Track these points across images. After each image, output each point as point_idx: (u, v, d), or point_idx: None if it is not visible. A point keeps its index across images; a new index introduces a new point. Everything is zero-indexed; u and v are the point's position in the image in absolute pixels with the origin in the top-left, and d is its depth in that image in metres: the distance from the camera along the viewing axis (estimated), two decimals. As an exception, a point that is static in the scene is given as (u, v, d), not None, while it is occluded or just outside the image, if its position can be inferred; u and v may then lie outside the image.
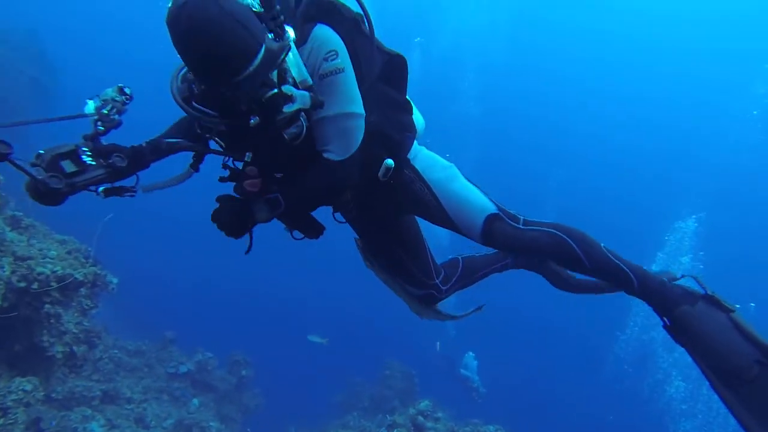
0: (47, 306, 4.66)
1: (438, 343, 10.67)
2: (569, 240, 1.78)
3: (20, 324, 4.93)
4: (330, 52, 1.56)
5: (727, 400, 1.52)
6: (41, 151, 1.46)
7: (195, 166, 1.76)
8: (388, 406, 10.11)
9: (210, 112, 1.50)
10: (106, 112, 1.58)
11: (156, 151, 1.69)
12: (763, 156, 18.88)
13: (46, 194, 1.41)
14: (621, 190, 22.37)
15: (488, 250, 2.31)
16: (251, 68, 1.36)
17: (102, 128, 1.57)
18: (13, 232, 4.89)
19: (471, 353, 10.60)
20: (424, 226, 2.19)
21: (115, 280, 6.26)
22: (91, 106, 1.59)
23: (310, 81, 1.55)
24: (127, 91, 1.65)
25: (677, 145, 22.34)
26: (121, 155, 1.57)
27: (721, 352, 1.53)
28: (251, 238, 1.76)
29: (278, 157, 1.67)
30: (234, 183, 1.67)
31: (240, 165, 1.69)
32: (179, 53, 1.36)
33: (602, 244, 1.81)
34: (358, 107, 1.63)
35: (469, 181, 1.95)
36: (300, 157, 1.66)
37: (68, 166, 1.47)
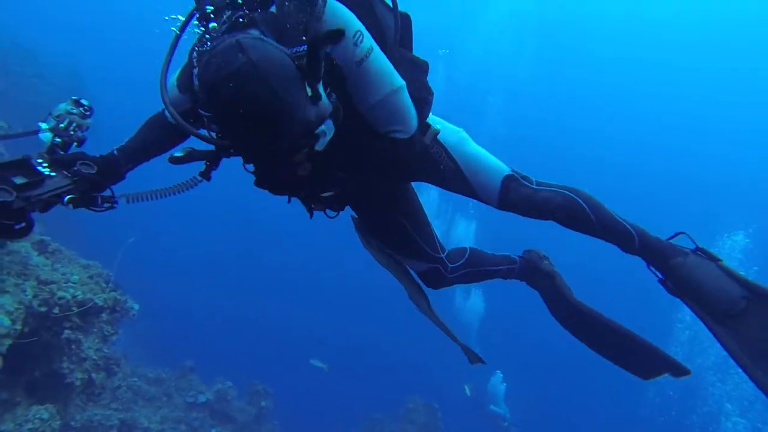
0: (67, 331, 4.62)
1: (466, 386, 10.16)
2: (580, 200, 1.85)
3: (40, 350, 4.90)
4: (356, 33, 1.42)
5: (720, 336, 1.70)
6: None
7: (207, 174, 1.46)
8: (411, 442, 9.67)
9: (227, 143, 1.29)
10: (63, 126, 1.44)
11: (133, 158, 1.56)
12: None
13: None
14: (660, 203, 21.42)
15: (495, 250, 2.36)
16: (290, 138, 1.23)
17: (59, 140, 1.42)
18: (40, 256, 4.93)
19: (499, 373, 10.12)
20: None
21: (136, 306, 6.24)
22: (44, 127, 1.45)
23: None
24: (84, 102, 1.51)
25: (720, 155, 21.49)
26: (87, 162, 1.42)
27: (712, 294, 1.72)
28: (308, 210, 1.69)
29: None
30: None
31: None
32: (215, 116, 1.22)
33: (606, 205, 1.90)
34: (398, 79, 1.53)
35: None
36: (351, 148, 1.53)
37: (20, 179, 1.28)
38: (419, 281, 2.20)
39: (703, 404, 10.18)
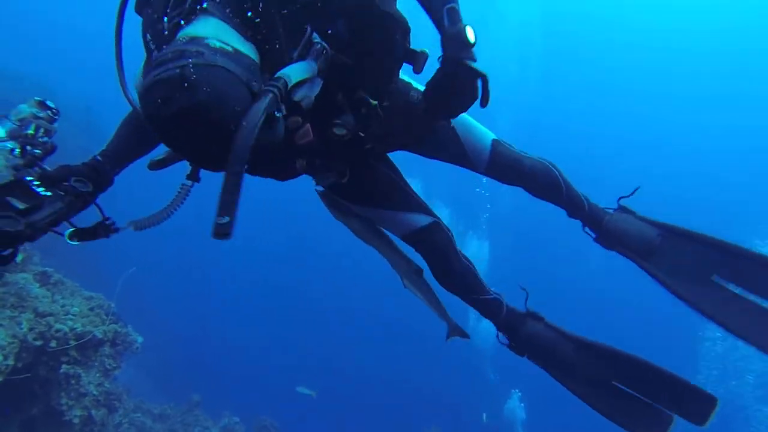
0: (65, 366, 4.44)
1: (484, 414, 9.73)
2: (556, 171, 2.06)
3: (38, 386, 4.71)
4: None
5: (649, 269, 2.03)
6: None
7: (194, 176, 1.38)
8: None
9: None
10: (31, 132, 1.27)
11: (118, 163, 1.42)
12: None
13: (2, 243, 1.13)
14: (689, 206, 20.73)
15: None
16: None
17: (38, 151, 1.27)
18: (41, 287, 4.80)
19: (517, 392, 9.61)
20: None
21: (139, 339, 6.05)
22: (1, 132, 1.27)
23: None
24: (50, 104, 1.36)
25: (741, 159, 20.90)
26: (81, 178, 1.29)
27: (635, 238, 2.05)
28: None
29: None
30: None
31: None
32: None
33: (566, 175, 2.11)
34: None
35: None
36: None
37: (18, 203, 1.17)
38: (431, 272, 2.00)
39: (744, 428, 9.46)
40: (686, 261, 1.99)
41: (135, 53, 1.35)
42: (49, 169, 1.30)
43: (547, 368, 2.02)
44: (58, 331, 4.10)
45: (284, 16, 1.19)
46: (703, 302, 1.94)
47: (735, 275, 1.95)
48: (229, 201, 0.92)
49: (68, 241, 1.27)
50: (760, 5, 20.00)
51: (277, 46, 1.16)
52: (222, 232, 0.91)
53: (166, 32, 1.13)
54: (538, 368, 2.05)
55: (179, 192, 1.38)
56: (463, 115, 1.81)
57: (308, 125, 1.27)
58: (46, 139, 1.30)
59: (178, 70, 0.93)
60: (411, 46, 1.53)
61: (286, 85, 1.04)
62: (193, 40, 1.01)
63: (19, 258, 3.53)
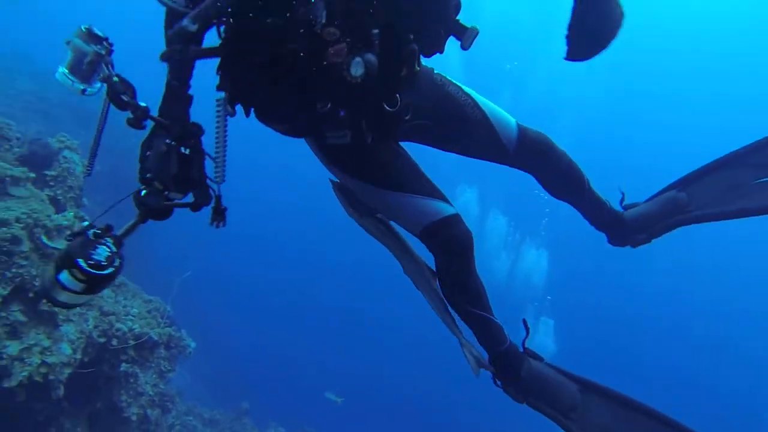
0: (125, 365, 4.70)
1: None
2: (558, 146, 1.95)
3: (102, 381, 5.02)
4: None
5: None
6: (149, 175, 1.36)
7: (232, 108, 1.45)
8: None
9: None
10: (116, 80, 1.28)
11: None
12: None
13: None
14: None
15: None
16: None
17: (144, 104, 1.33)
18: (107, 288, 5.14)
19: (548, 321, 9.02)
20: None
21: (192, 344, 6.30)
22: (64, 73, 1.22)
23: None
24: (99, 33, 1.26)
25: None
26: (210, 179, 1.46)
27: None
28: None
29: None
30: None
31: None
32: None
33: None
34: None
35: None
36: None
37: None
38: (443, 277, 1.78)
39: None
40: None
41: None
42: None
43: (553, 414, 1.78)
44: (118, 330, 4.37)
45: None
46: None
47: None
48: None
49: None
50: None
51: None
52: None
53: None
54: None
55: (219, 121, 1.42)
56: (486, 99, 1.84)
57: (345, 44, 1.29)
58: (116, 79, 1.28)
59: None
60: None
61: None
62: None
63: None
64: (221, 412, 9.20)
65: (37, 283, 3.74)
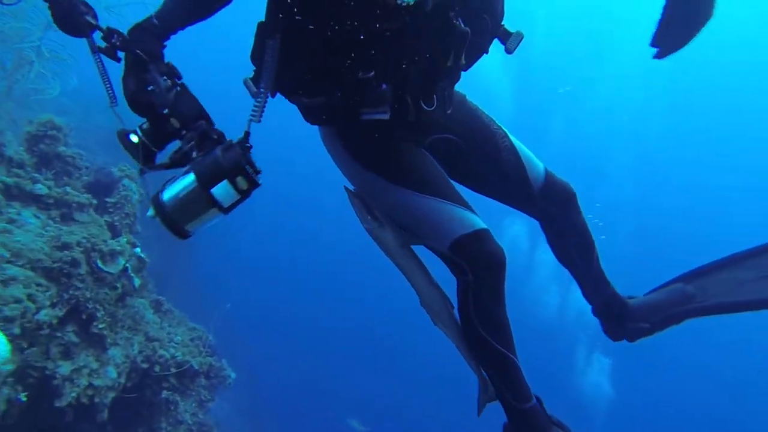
0: (166, 392, 4.71)
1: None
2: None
3: (144, 408, 5.06)
4: None
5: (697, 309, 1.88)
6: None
7: (269, 91, 1.35)
8: None
9: None
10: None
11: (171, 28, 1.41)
12: None
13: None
14: None
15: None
16: None
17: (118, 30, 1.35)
18: (154, 314, 5.26)
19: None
20: None
21: (233, 375, 6.29)
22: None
23: None
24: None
25: None
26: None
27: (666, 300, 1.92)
28: None
29: None
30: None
31: None
32: None
33: None
34: None
35: None
36: None
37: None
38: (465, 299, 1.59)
39: None
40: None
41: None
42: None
43: None
44: (161, 356, 4.41)
45: None
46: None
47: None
48: None
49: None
50: None
51: None
52: None
53: None
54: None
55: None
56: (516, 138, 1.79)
57: None
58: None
59: None
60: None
61: None
62: None
63: (137, 283, 3.83)
64: (257, 446, 9.04)
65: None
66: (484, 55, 1.58)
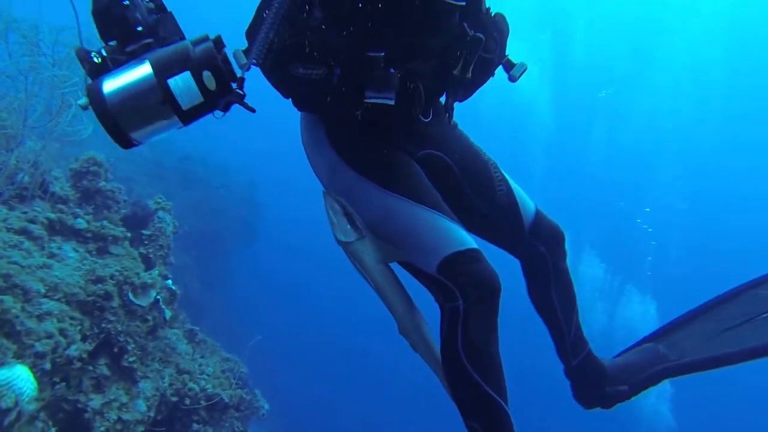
0: (196, 425, 4.67)
1: None
2: None
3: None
4: None
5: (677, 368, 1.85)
6: None
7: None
8: None
9: None
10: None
11: None
12: None
13: None
14: None
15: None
16: None
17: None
18: (188, 345, 5.29)
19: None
20: None
21: (266, 406, 6.21)
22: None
23: None
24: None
25: None
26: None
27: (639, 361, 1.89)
28: None
29: None
30: None
31: None
32: None
33: None
34: None
35: None
36: None
37: None
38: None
39: None
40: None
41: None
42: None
43: None
44: (190, 389, 4.38)
45: None
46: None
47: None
48: None
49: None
50: None
51: None
52: None
53: None
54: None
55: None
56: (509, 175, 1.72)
57: None
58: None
59: None
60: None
61: None
62: None
63: (168, 315, 3.82)
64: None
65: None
66: (490, 78, 1.53)
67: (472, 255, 1.30)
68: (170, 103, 1.02)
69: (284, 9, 1.15)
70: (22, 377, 2.64)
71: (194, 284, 8.43)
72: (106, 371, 3.94)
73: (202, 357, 5.04)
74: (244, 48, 1.25)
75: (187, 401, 4.41)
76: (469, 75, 1.40)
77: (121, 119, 1.03)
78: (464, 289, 1.26)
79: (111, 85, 1.04)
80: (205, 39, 1.10)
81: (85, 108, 1.06)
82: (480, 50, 1.38)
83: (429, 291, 1.37)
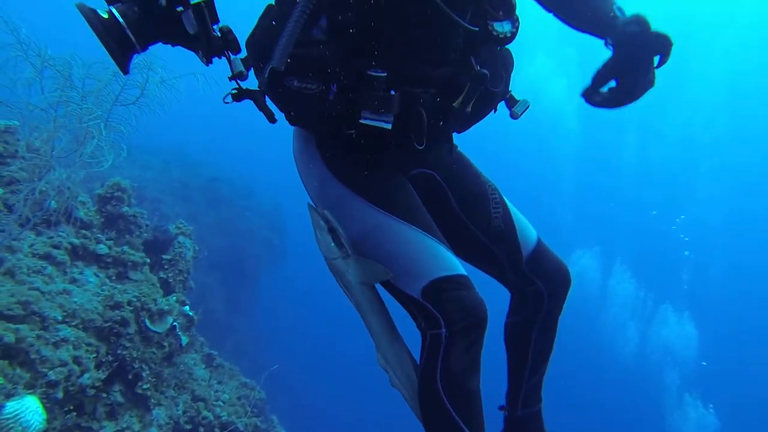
0: (210, 453, 4.60)
1: None
2: None
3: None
4: None
5: None
6: None
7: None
8: None
9: None
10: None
11: None
12: None
13: None
14: None
15: None
16: None
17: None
18: (205, 369, 5.27)
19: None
20: None
21: (283, 432, 6.12)
22: None
23: None
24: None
25: None
26: None
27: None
28: None
29: None
30: None
31: None
32: None
33: None
34: None
35: None
36: None
37: None
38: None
39: None
40: None
41: None
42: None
43: None
44: (204, 418, 4.33)
45: None
46: None
47: None
48: None
49: None
50: None
51: None
52: None
53: None
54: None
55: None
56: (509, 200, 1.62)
57: None
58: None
59: None
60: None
61: None
62: None
63: (184, 341, 3.78)
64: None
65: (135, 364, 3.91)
66: (491, 113, 1.47)
67: (459, 281, 1.23)
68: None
69: (305, 19, 1.12)
70: (30, 409, 2.64)
71: (217, 306, 8.49)
72: (120, 398, 3.93)
73: (219, 383, 5.00)
74: (242, 57, 1.24)
75: (201, 430, 4.35)
76: (469, 109, 1.35)
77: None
78: (449, 317, 1.19)
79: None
80: None
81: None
82: (483, 86, 1.34)
83: (411, 316, 1.30)
